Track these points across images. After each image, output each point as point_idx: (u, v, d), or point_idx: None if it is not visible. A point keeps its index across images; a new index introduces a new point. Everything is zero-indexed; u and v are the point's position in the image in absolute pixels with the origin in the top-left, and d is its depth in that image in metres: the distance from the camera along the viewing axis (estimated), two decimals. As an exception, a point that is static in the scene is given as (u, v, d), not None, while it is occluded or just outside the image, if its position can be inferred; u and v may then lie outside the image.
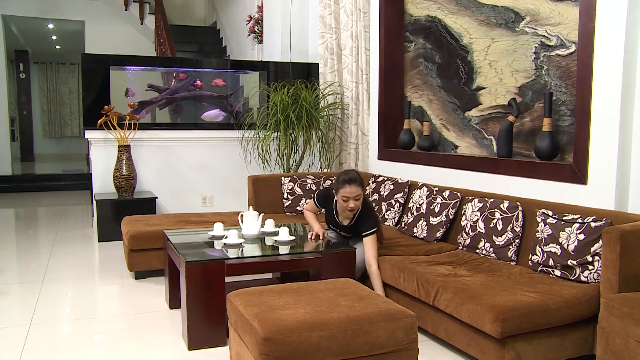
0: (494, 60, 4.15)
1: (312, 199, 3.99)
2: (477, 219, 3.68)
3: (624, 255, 2.65)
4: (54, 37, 13.65)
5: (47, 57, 15.26)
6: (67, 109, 15.72)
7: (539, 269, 3.21)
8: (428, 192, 4.23)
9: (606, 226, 2.87)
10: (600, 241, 2.84)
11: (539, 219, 3.30)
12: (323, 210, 4.00)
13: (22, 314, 3.70)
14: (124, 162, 5.92)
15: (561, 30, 3.59)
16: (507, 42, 4.02)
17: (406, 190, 4.56)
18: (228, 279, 3.20)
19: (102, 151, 6.07)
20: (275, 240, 3.64)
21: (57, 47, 14.58)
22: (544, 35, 3.72)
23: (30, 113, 15.12)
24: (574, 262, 3.00)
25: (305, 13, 6.97)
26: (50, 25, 12.35)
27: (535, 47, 3.79)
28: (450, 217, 3.98)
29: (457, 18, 4.50)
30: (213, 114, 6.81)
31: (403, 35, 5.16)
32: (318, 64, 6.12)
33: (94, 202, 5.91)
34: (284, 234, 3.62)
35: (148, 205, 5.85)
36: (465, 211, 3.84)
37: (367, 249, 3.66)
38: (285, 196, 5.15)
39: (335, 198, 3.76)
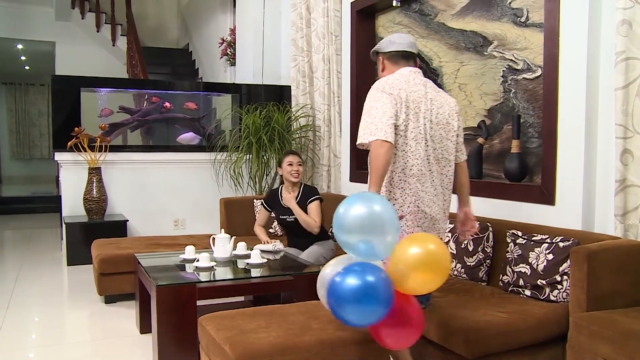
0: (463, 83, 4.22)
1: (261, 208, 4.49)
2: (449, 240, 3.72)
3: (592, 275, 2.69)
4: (23, 58, 13.49)
5: (16, 77, 15.05)
6: (37, 130, 15.49)
7: (510, 289, 3.24)
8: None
9: (574, 246, 2.92)
10: (569, 261, 2.89)
11: (509, 240, 3.35)
12: (273, 215, 4.45)
13: (-14, 341, 3.60)
14: (95, 185, 5.85)
15: (527, 54, 3.68)
16: (476, 65, 4.10)
17: (378, 211, 4.58)
18: (199, 303, 3.17)
19: (72, 173, 5.99)
20: (247, 263, 3.62)
21: (27, 67, 14.41)
22: (511, 60, 3.81)
23: (-2, 134, 14.90)
24: (544, 282, 3.05)
25: (277, 36, 7.02)
26: (20, 46, 12.22)
27: (503, 70, 3.87)
28: (422, 238, 4.00)
29: (427, 42, 4.58)
30: (189, 137, 6.79)
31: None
32: (290, 86, 6.16)
33: (64, 225, 5.81)
34: (256, 257, 3.61)
35: (119, 228, 5.78)
36: (436, 232, 3.87)
37: (312, 212, 4.21)
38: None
39: (280, 187, 4.41)
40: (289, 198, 4.22)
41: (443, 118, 2.72)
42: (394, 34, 2.91)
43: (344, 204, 2.28)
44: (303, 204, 4.25)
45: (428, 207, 2.66)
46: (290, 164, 4.28)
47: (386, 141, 2.51)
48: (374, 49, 2.93)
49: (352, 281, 2.13)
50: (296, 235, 4.31)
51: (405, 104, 2.63)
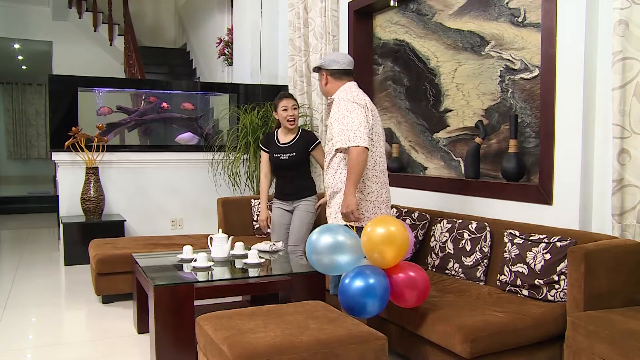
0: (460, 83, 4.23)
1: (261, 153, 4.43)
2: (446, 240, 3.72)
3: (589, 274, 2.70)
4: (20, 57, 13.46)
5: (13, 77, 15.01)
6: (34, 130, 15.45)
7: (507, 288, 3.25)
8: (397, 214, 4.26)
9: (571, 246, 2.92)
10: (566, 260, 2.89)
11: (506, 239, 3.35)
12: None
13: (-16, 342, 3.60)
14: (92, 185, 5.84)
15: (525, 54, 3.69)
16: (474, 65, 4.10)
17: (376, 211, 4.59)
18: (197, 303, 3.17)
19: (69, 173, 5.98)
20: (245, 263, 3.62)
21: (24, 67, 14.38)
22: (509, 59, 3.81)
23: (-5, 134, 14.85)
24: (541, 282, 3.05)
25: (274, 36, 7.02)
26: (17, 45, 12.19)
27: (501, 70, 3.87)
28: (420, 238, 4.01)
29: (424, 42, 4.58)
30: (187, 137, 6.79)
31: (372, 58, 5.23)
32: (287, 86, 6.15)
33: (61, 225, 5.80)
34: (254, 257, 3.61)
35: (116, 228, 5.77)
36: (434, 232, 3.87)
37: (319, 158, 4.30)
38: (255, 218, 5.13)
39: (275, 130, 4.39)
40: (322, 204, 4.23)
41: (381, 125, 3.42)
42: (335, 53, 3.48)
43: (315, 233, 2.90)
44: (302, 148, 4.25)
45: (388, 195, 3.39)
46: (285, 109, 4.21)
47: (366, 148, 3.07)
48: (317, 64, 3.42)
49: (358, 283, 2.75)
50: (286, 175, 4.31)
51: (370, 111, 3.22)
